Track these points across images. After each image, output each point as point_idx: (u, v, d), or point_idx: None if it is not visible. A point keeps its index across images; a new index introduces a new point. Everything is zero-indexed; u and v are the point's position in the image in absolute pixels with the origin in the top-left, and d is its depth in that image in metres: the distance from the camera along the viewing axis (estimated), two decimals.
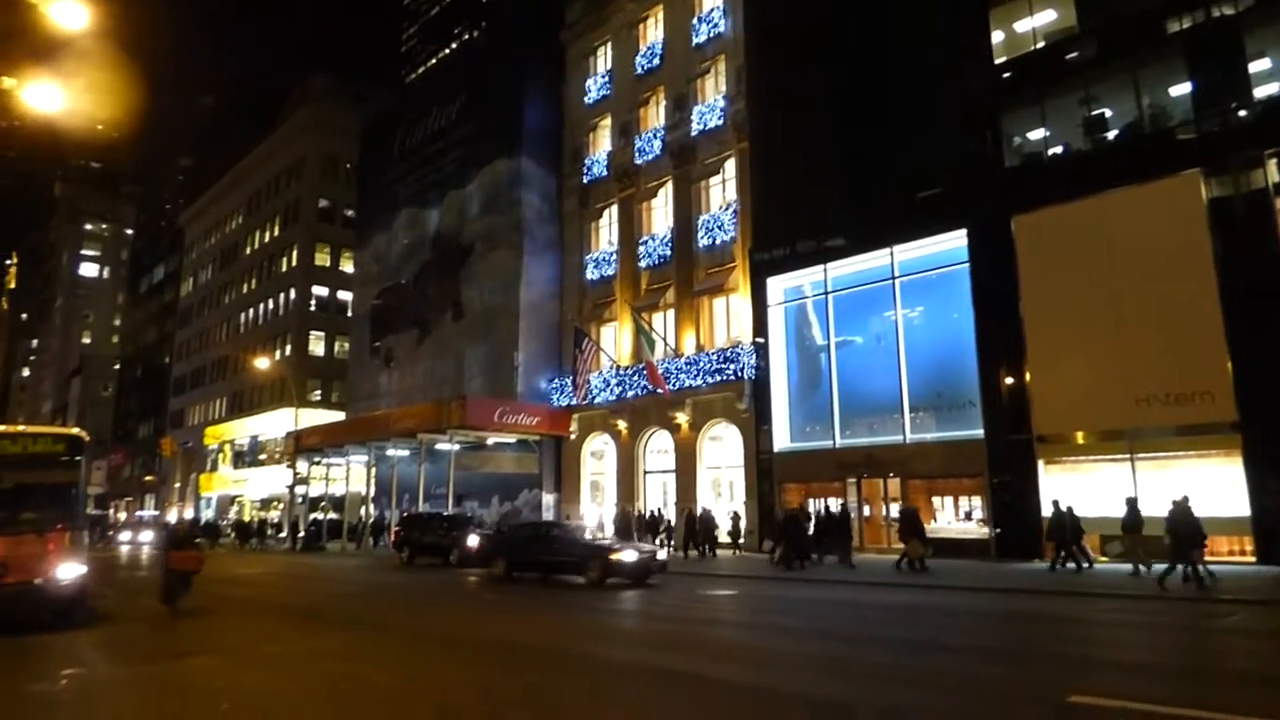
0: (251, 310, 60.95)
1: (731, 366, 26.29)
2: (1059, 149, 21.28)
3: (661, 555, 18.13)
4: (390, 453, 35.70)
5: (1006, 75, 21.96)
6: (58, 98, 13.28)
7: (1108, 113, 20.54)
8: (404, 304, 41.86)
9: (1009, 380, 20.65)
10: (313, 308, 55.45)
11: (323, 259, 56.46)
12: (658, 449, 30.12)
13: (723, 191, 29.44)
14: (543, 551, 18.22)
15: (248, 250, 63.28)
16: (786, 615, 13.07)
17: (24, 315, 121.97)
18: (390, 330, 42.63)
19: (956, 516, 22.12)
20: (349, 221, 53.77)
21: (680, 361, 27.94)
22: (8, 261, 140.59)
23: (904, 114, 23.12)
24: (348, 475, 39.76)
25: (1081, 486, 19.25)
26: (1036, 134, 21.73)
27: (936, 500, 22.21)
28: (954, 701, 7.02)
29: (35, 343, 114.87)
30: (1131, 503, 16.53)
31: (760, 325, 26.30)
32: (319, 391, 53.85)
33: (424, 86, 49.47)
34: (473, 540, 24.01)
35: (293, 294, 55.68)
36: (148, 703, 7.85)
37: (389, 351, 42.55)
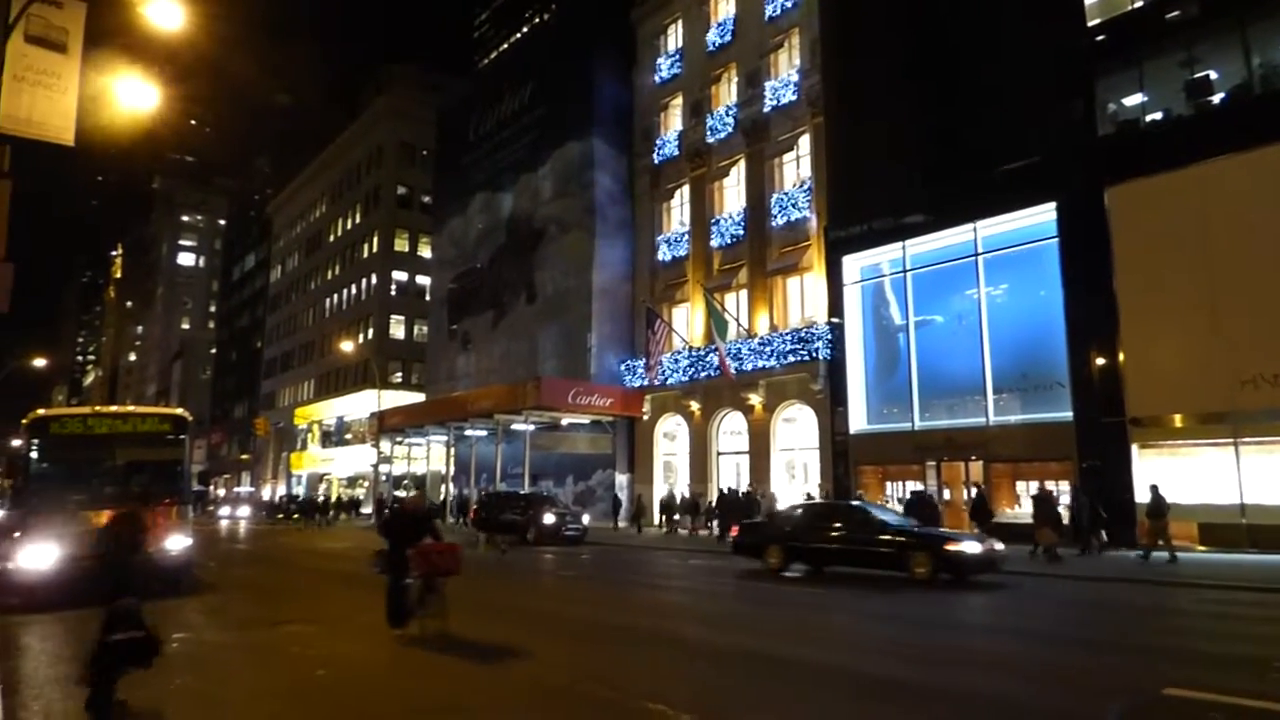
0: (335, 295, 63.19)
1: (806, 347, 25.93)
2: (1158, 115, 20.09)
3: (999, 546, 14.35)
4: (468, 433, 36.62)
5: (1101, 37, 20.81)
6: (155, 95, 13.93)
7: (1212, 75, 19.26)
8: (479, 287, 42.71)
9: (1101, 360, 19.75)
10: (393, 292, 57.13)
11: (402, 244, 58.03)
12: (731, 430, 30.02)
13: (797, 168, 28.92)
14: (836, 538, 14.84)
15: (331, 237, 65.53)
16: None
17: (129, 303, 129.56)
18: (467, 313, 43.58)
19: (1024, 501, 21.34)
20: (426, 207, 55.08)
21: (753, 342, 27.71)
22: (113, 253, 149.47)
23: (987, 82, 22.19)
24: (428, 454, 41.04)
25: (1179, 471, 18.32)
26: (1133, 100, 20.56)
27: (1021, 485, 21.46)
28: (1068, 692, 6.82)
29: (140, 329, 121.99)
30: (1155, 489, 16.46)
31: (836, 305, 25.82)
32: (400, 373, 55.57)
33: (496, 72, 50.06)
34: (549, 519, 24.49)
35: (374, 279, 57.47)
36: (251, 666, 8.32)
37: (466, 334, 43.53)
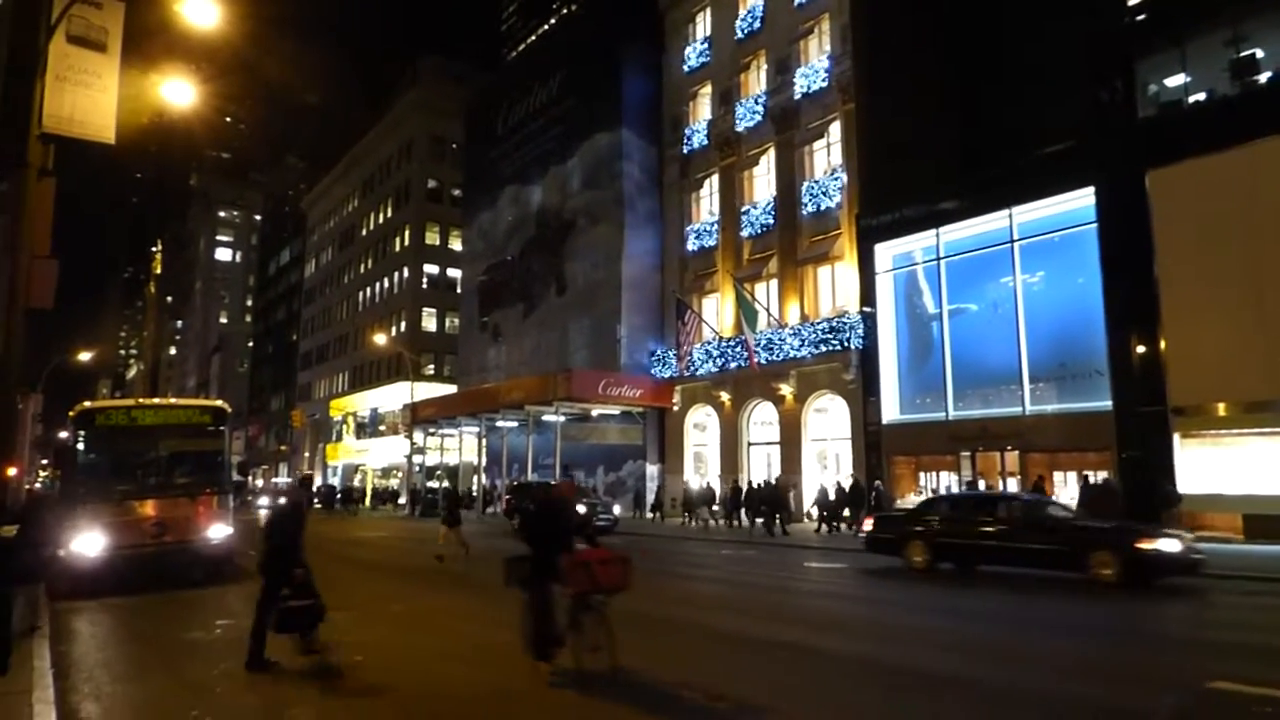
0: (368, 289, 63.96)
1: (837, 336, 25.72)
2: (1201, 96, 19.54)
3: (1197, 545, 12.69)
4: (500, 424, 36.93)
5: (1141, 17, 20.28)
6: (192, 93, 14.17)
7: (1259, 53, 18.68)
8: (509, 280, 42.94)
9: (1141, 348, 19.32)
10: (424, 285, 57.67)
11: (433, 238, 58.53)
12: (761, 420, 29.91)
13: (827, 156, 28.63)
14: (996, 533, 13.13)
15: (363, 231, 66.29)
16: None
17: (169, 299, 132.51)
18: (497, 305, 43.86)
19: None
20: (456, 201, 55.46)
21: (784, 332, 27.55)
22: (153, 249, 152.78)
23: (1023, 65, 21.78)
24: (460, 445, 41.50)
25: (1223, 462, 17.90)
26: (1175, 80, 20.01)
27: (1059, 475, 21.11)
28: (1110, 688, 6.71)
29: (180, 323, 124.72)
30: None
31: (868, 293, 25.56)
32: (432, 365, 56.15)
33: (524, 63, 50.20)
34: (580, 509, 24.57)
35: (406, 272, 58.06)
36: (291, 652, 8.49)
37: (496, 326, 43.82)
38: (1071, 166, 20.69)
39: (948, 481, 23.63)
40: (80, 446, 13.31)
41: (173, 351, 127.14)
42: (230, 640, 9.06)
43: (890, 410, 24.86)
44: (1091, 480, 18.68)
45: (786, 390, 27.70)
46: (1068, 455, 21.08)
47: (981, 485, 22.51)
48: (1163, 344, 18.91)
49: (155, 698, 6.69)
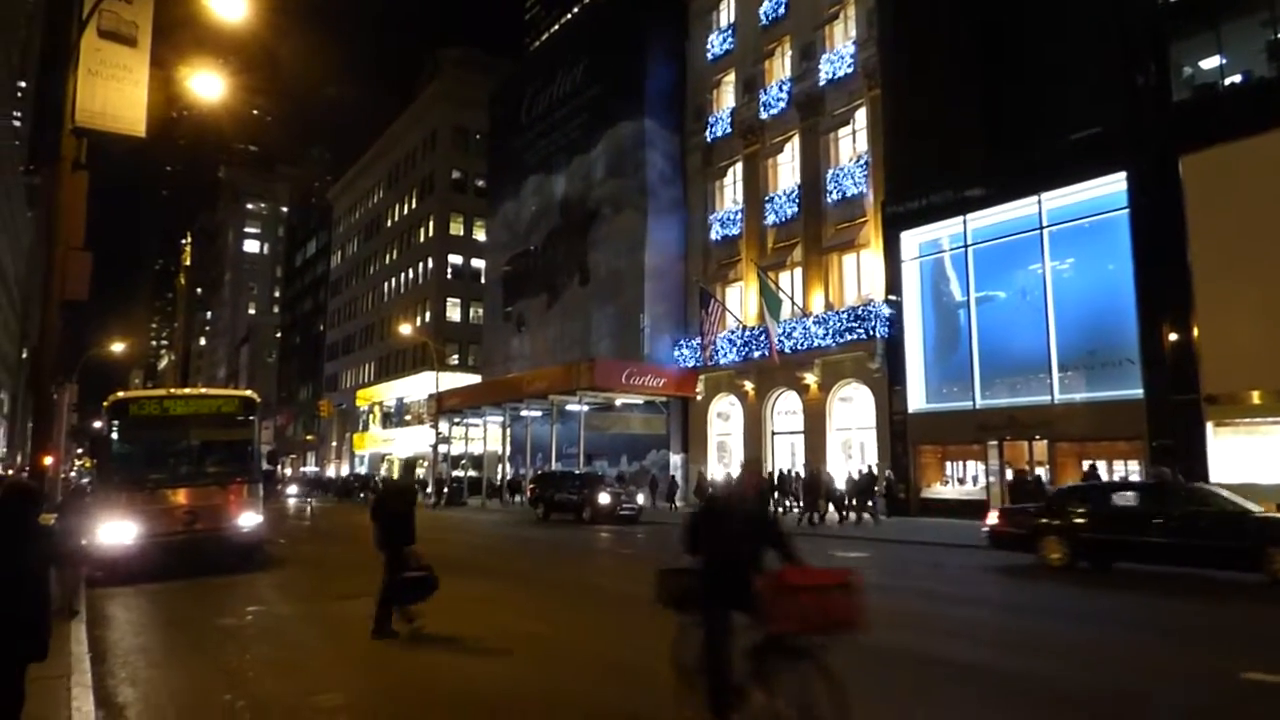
0: (394, 279, 64.48)
1: (862, 325, 25.52)
2: (1237, 78, 19.05)
3: None
4: (524, 413, 37.10)
5: None
6: (220, 86, 14.31)
7: None
8: (533, 269, 43.06)
9: (1174, 336, 18.96)
10: (449, 275, 58.05)
11: (457, 228, 58.82)
12: (786, 410, 29.80)
13: (853, 143, 28.33)
14: (1155, 527, 11.67)
15: (388, 222, 66.78)
16: None
17: (199, 290, 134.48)
18: (521, 295, 44.01)
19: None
20: (480, 191, 55.67)
21: (808, 321, 27.38)
22: (183, 241, 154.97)
23: (1053, 48, 21.34)
24: (485, 435, 41.72)
25: (1257, 450, 17.55)
26: (1210, 62, 19.52)
27: (1086, 465, 20.80)
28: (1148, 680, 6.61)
29: (209, 315, 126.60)
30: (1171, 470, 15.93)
31: (893, 282, 25.32)
32: (456, 355, 56.56)
33: (547, 53, 50.12)
34: (604, 498, 24.71)
35: (430, 263, 58.45)
36: (322, 637, 8.64)
37: (520, 316, 43.99)
38: (1103, 151, 20.30)
39: (974, 471, 23.43)
40: (114, 436, 13.56)
41: (203, 342, 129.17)
42: (262, 627, 9.22)
43: (916, 399, 24.64)
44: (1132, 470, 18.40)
45: (811, 379, 27.55)
46: (1097, 444, 20.78)
47: (1010, 475, 22.27)
48: (1195, 331, 18.55)
49: (190, 683, 6.82)
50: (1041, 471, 21.05)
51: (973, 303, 23.50)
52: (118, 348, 48.64)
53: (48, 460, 9.70)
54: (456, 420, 42.68)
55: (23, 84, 67.79)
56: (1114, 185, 20.37)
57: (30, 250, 67.31)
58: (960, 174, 23.65)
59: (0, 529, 4.78)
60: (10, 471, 36.31)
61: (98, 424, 17.29)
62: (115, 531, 12.46)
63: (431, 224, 58.92)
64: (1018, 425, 21.93)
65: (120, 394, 14.60)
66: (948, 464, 24.44)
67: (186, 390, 19.13)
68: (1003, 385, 22.64)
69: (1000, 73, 22.58)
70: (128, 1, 9.98)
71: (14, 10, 54.67)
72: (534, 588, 11.93)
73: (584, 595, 11.06)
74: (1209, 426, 18.33)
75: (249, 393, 16.02)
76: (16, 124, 65.76)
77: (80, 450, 59.62)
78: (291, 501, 39.29)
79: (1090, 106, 20.48)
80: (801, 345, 27.28)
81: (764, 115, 31.02)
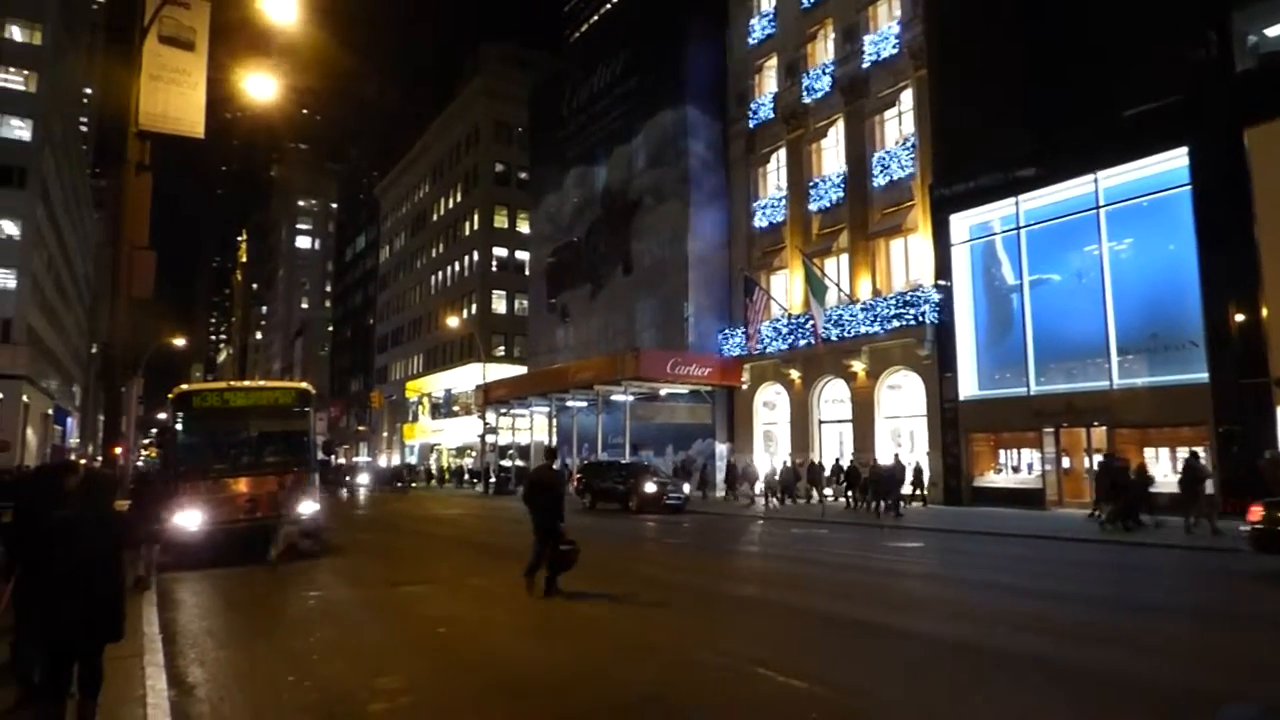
0: (440, 273, 65.34)
1: (911, 311, 25.09)
2: None
3: None
4: (569, 404, 37.38)
5: None
6: (273, 87, 14.64)
7: None
8: (576, 261, 43.23)
9: (1240, 317, 18.25)
10: (493, 268, 58.58)
11: (501, 221, 59.31)
12: (833, 398, 29.49)
13: (899, 125, 27.80)
14: None
15: (434, 216, 67.63)
16: None
17: (254, 286, 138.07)
18: (565, 287, 44.26)
19: (1173, 469, 20.03)
20: (523, 184, 55.97)
21: (855, 308, 27.02)
22: (238, 238, 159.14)
23: (1107, 19, 20.61)
24: (531, 425, 42.17)
25: None
26: (1276, 30, 18.67)
27: (1149, 452, 20.19)
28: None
29: (265, 309, 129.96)
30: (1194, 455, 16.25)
31: (943, 266, 24.84)
32: (502, 347, 57.14)
33: (587, 45, 50.11)
34: (650, 487, 24.79)
35: (475, 256, 59.05)
36: (379, 621, 8.86)
37: (564, 307, 44.25)
38: (1162, 126, 19.58)
39: (1029, 459, 22.94)
40: (178, 427, 14.03)
41: (259, 336, 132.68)
42: (322, 611, 9.49)
43: (968, 386, 24.18)
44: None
45: (859, 367, 27.21)
46: (1159, 431, 20.15)
47: (1066, 463, 21.77)
48: (1264, 311, 17.82)
49: (256, 664, 7.06)
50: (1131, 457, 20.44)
51: (1026, 286, 22.93)
52: (179, 343, 50.25)
53: (118, 450, 10.09)
54: (503, 411, 43.19)
55: (88, 91, 70.21)
56: (1174, 161, 19.65)
57: (98, 250, 69.80)
58: (1011, 154, 23.05)
59: (81, 516, 5.01)
60: (85, 461, 37.84)
61: (162, 415, 17.94)
62: (182, 519, 12.92)
63: (476, 217, 59.51)
64: (1075, 412, 21.37)
65: (184, 386, 15.07)
66: (1001, 451, 23.95)
67: (246, 383, 19.69)
68: (1058, 371, 22.08)
69: (1051, 47, 21.91)
70: (186, 7, 10.27)
71: (79, 20, 56.63)
72: (588, 575, 12.10)
73: (640, 584, 11.12)
74: (1279, 411, 17.63)
75: (305, 385, 16.41)
76: (83, 129, 68.15)
77: (147, 441, 61.85)
78: (344, 492, 40.14)
79: (1148, 80, 19.74)
80: (849, 332, 26.94)
81: (807, 100, 30.61)
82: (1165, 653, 7.01)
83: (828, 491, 25.76)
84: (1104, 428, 20.92)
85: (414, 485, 47.14)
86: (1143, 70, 19.87)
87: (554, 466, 10.85)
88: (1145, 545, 14.67)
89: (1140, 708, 5.55)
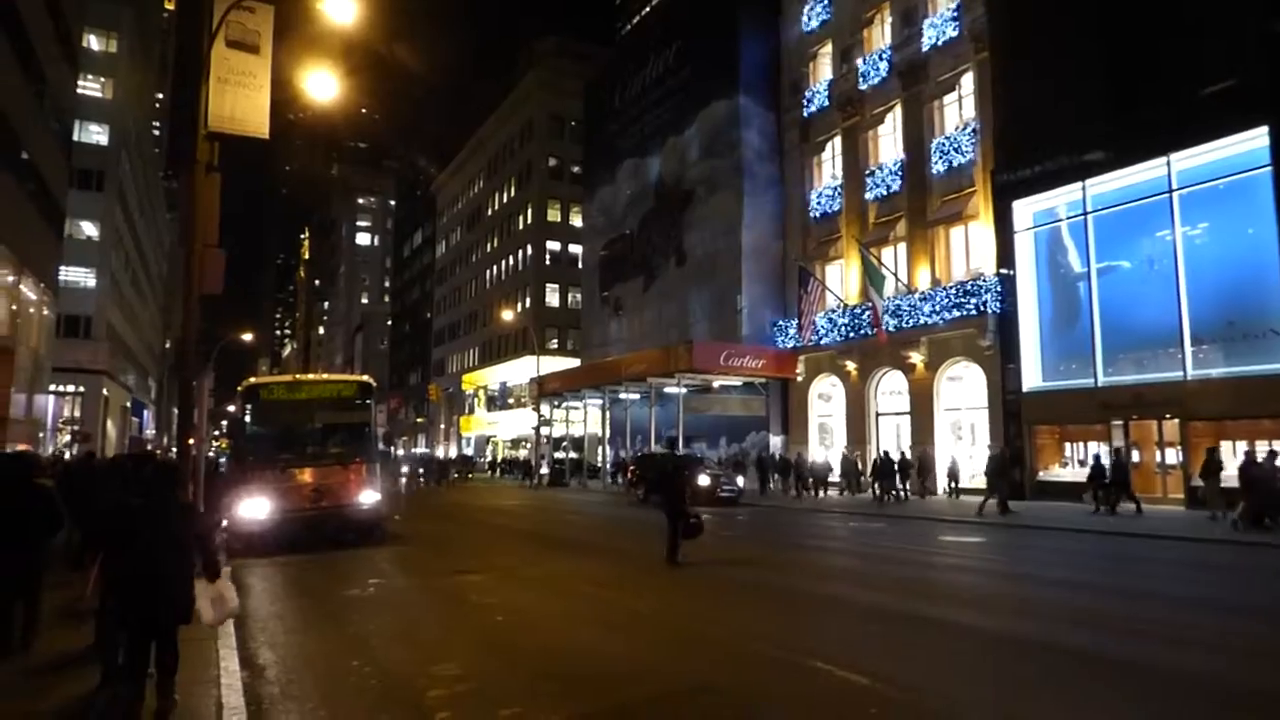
0: (495, 267, 66.18)
1: (972, 301, 24.49)
2: None
3: None
4: (622, 396, 37.48)
5: None
6: (333, 87, 14.97)
7: None
8: (629, 253, 43.31)
9: None
10: (547, 262, 59.09)
11: (554, 215, 59.75)
12: (890, 390, 29.00)
13: (959, 110, 27.09)
14: None
15: (489, 211, 68.50)
16: None
17: (317, 282, 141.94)
18: (618, 279, 44.38)
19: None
20: (576, 178, 56.31)
21: (914, 298, 26.49)
22: (301, 236, 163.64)
23: None
24: (585, 417, 42.38)
25: None
26: None
27: (1225, 445, 19.32)
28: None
29: (326, 305, 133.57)
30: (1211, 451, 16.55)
31: (1005, 254, 24.16)
32: (555, 340, 57.63)
33: (640, 36, 50.00)
34: (704, 480, 24.73)
35: (529, 250, 59.65)
36: (438, 609, 9.05)
37: (617, 300, 44.38)
38: (1240, 105, 18.64)
39: (1096, 452, 22.18)
40: (247, 419, 14.53)
41: (321, 331, 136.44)
42: (383, 599, 9.73)
43: (1031, 377, 23.50)
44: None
45: (917, 358, 26.68)
46: (1236, 424, 19.26)
47: (1136, 456, 21.01)
48: None
49: (321, 648, 7.28)
50: (1174, 453, 19.72)
51: (1093, 274, 22.15)
52: (247, 337, 51.96)
53: (191, 441, 10.49)
54: (557, 403, 43.55)
55: (160, 95, 73.01)
56: (1253, 142, 18.71)
57: (171, 249, 72.61)
58: (1078, 138, 22.25)
59: (150, 502, 5.23)
60: (160, 452, 39.54)
61: (230, 407, 18.56)
62: (251, 507, 13.39)
63: (530, 211, 60.07)
64: (1145, 404, 20.59)
65: (251, 380, 15.61)
66: (1066, 445, 23.24)
67: (310, 376, 20.28)
68: (1127, 361, 21.29)
69: (1120, 26, 21.05)
70: (251, 11, 10.57)
71: (151, 27, 58.83)
72: (642, 571, 12.13)
73: (694, 577, 11.12)
74: None
75: (366, 377, 16.83)
76: (156, 133, 70.88)
77: (217, 432, 64.23)
78: (402, 482, 40.93)
79: (1224, 57, 18.82)
80: (907, 323, 26.43)
81: (863, 86, 30.05)
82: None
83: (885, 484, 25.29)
84: (1176, 420, 20.12)
85: (470, 476, 47.92)
86: (1219, 47, 18.96)
87: (675, 453, 12.47)
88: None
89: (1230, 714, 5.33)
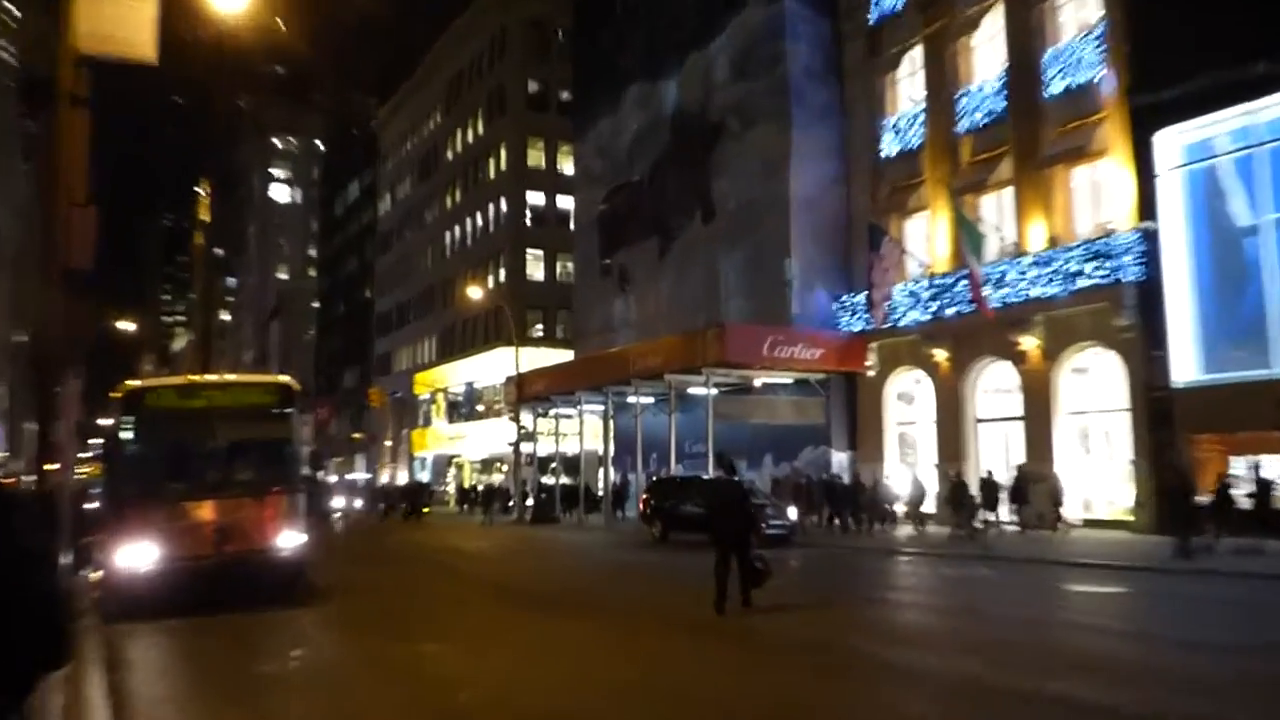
0: (457, 228, 66.32)
1: (1103, 265, 24.32)
2: None
3: None
4: (631, 400, 37.38)
5: None
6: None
7: None
8: (638, 208, 43.23)
9: None
10: (528, 221, 59.17)
11: (536, 157, 59.77)
12: (994, 387, 28.86)
13: (1080, 10, 26.93)
14: None
15: (448, 154, 68.61)
16: None
17: (219, 251, 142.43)
18: (623, 243, 44.33)
19: None
20: (565, 107, 56.20)
21: (1024, 262, 26.32)
22: (198, 191, 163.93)
23: None
24: (581, 429, 42.32)
25: None
26: None
27: None
28: None
29: (232, 281, 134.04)
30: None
31: (1147, 202, 23.98)
32: (540, 325, 57.75)
33: None
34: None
35: (503, 204, 59.71)
36: (381, 690, 8.97)
37: (623, 270, 44.32)
38: None
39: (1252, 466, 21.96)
40: (126, 436, 14.45)
41: (225, 317, 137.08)
42: (311, 675, 9.69)
43: (1185, 368, 23.33)
44: None
45: (1030, 343, 26.49)
46: None
47: None
48: None
49: None
50: None
51: (1270, 227, 21.95)
52: (127, 327, 52.05)
53: (54, 466, 10.46)
54: (543, 411, 43.52)
55: (11, 7, 73.00)
56: None
57: (26, 210, 72.72)
58: (1243, 45, 21.97)
59: None
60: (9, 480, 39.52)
61: (105, 421, 18.53)
62: (132, 554, 13.31)
63: (503, 154, 60.09)
64: None
65: (133, 384, 15.55)
66: (1231, 459, 23.00)
67: (211, 378, 20.27)
68: None
69: None
70: None
71: None
72: (666, 632, 12.09)
73: (731, 638, 11.06)
74: None
75: (286, 379, 16.78)
76: (9, 58, 70.71)
77: (89, 454, 64.38)
78: (336, 517, 40.94)
79: None
80: (1015, 296, 26.24)
81: None
82: None
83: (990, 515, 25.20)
84: None
85: (427, 510, 47.82)
86: None
87: (735, 478, 13.67)
88: None
89: None
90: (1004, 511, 24.82)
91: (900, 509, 28.11)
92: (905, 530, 27.04)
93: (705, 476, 29.54)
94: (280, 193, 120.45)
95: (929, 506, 27.79)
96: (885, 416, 31.96)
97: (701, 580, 15.74)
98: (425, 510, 47.81)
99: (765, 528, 24.36)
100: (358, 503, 45.70)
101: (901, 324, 29.82)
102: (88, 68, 10.76)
